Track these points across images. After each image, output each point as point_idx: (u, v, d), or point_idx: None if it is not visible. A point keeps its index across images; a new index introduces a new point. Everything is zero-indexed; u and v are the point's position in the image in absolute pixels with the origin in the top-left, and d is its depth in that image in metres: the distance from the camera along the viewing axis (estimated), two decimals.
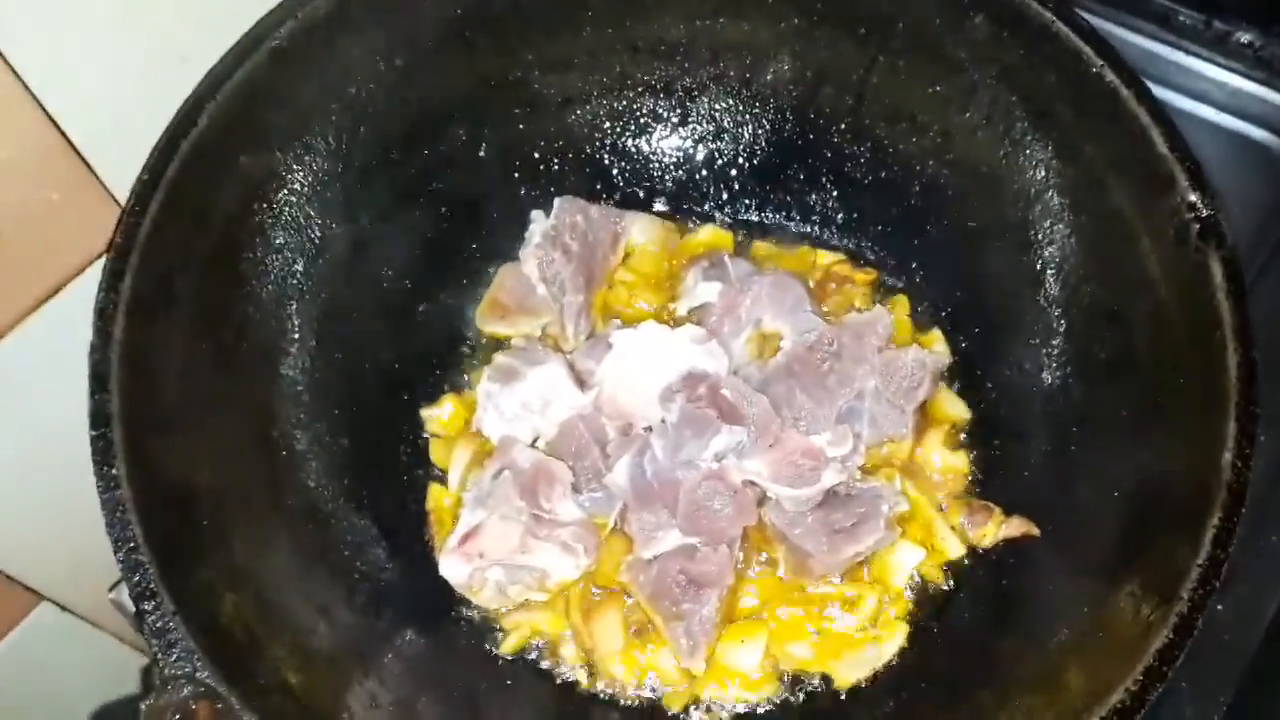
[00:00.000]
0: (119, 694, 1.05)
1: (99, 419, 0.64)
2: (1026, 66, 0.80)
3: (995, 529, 0.78)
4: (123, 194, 0.86)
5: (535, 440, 0.84)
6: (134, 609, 0.87)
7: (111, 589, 0.92)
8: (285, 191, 0.80)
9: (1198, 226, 0.71)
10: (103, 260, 0.87)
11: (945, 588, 0.80)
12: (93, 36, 0.79)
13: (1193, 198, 0.72)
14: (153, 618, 0.59)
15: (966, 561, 0.80)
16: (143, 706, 0.56)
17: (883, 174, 0.92)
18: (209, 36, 0.78)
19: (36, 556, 0.99)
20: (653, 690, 0.77)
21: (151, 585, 0.59)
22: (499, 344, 0.91)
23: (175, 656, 0.58)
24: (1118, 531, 0.69)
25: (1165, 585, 0.61)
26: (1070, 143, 0.79)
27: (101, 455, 0.63)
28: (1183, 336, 0.71)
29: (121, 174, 0.85)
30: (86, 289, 0.87)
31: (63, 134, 0.81)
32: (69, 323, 0.87)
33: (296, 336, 0.81)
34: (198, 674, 0.57)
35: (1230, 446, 0.64)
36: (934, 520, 0.80)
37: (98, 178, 0.84)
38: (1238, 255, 0.70)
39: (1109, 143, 0.76)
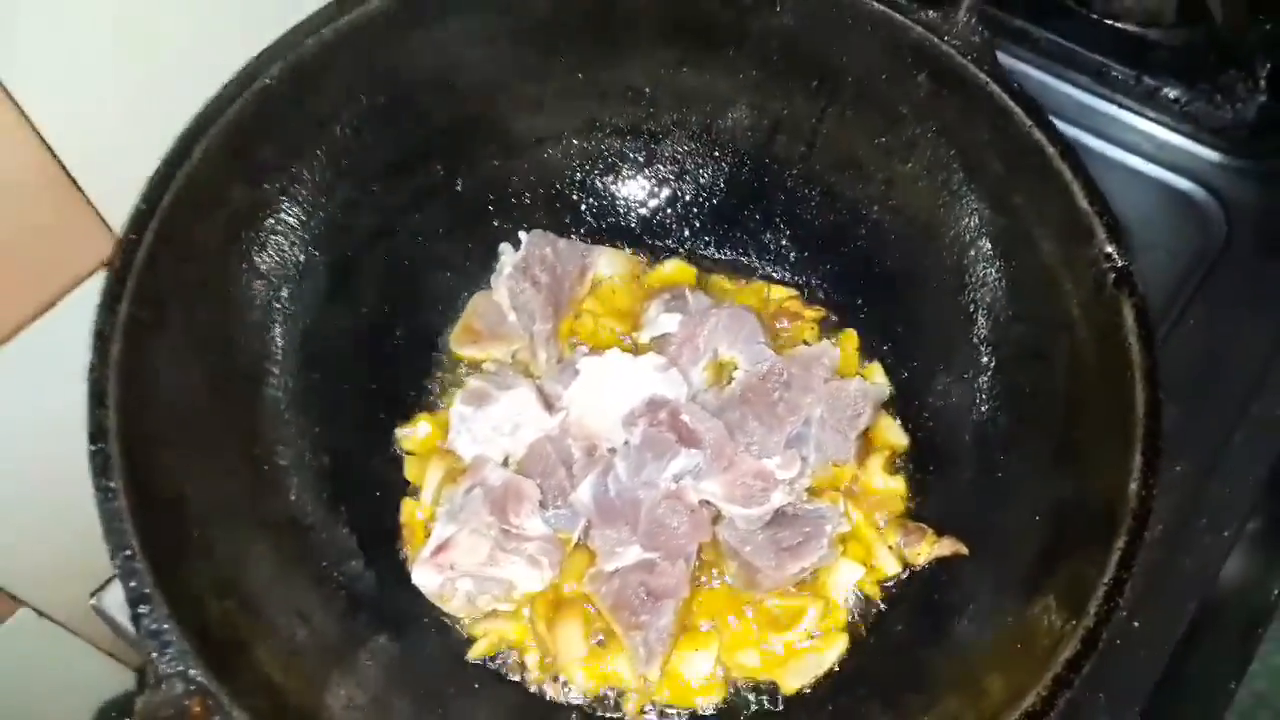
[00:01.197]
0: (97, 700, 1.08)
1: (98, 434, 0.68)
2: (963, 123, 0.87)
3: (928, 548, 0.84)
4: (113, 218, 0.91)
5: (506, 460, 0.89)
6: (116, 616, 0.93)
7: (93, 595, 0.96)
8: (271, 221, 0.84)
9: (1113, 275, 0.78)
10: (91, 281, 0.92)
11: (881, 602, 0.86)
12: (89, 67, 0.84)
13: (1109, 249, 0.79)
14: (148, 620, 0.63)
15: (901, 577, 0.86)
16: (139, 702, 0.60)
17: (831, 217, 0.98)
18: (199, 72, 0.83)
19: (17, 563, 1.02)
20: (611, 695, 0.82)
21: (147, 590, 0.63)
22: (472, 367, 0.96)
23: (169, 656, 0.62)
24: (1036, 551, 0.76)
25: (1075, 601, 0.68)
26: (1001, 194, 0.86)
27: (100, 468, 0.67)
28: (1098, 375, 0.78)
29: (112, 199, 0.89)
30: (76, 309, 0.92)
31: (57, 159, 0.85)
32: (57, 341, 0.91)
33: (280, 358, 0.85)
34: (190, 673, 0.62)
35: (1136, 477, 0.70)
36: (873, 540, 0.86)
37: (90, 202, 0.89)
38: (1148, 303, 0.77)
39: (1035, 196, 0.83)
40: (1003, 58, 1.30)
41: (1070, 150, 0.82)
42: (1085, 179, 0.81)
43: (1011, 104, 0.84)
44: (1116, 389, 0.75)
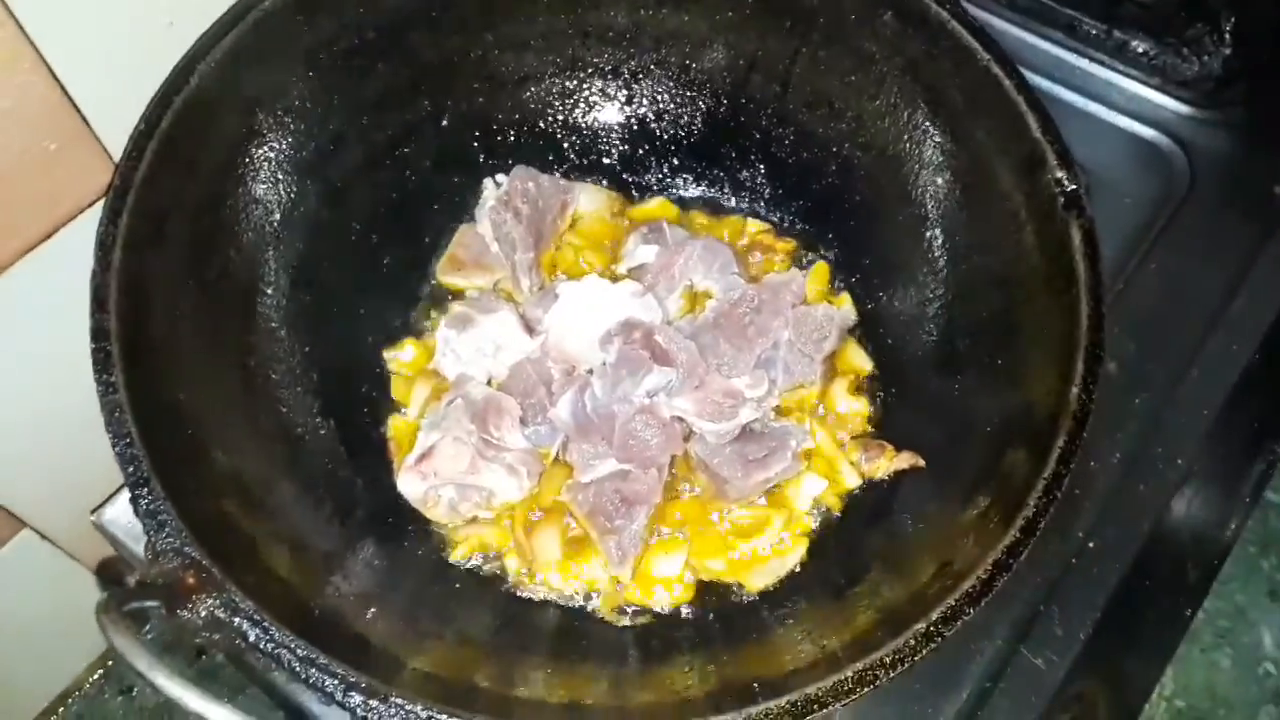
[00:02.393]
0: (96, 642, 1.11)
1: (99, 334, 0.72)
2: (927, 59, 0.91)
3: (887, 463, 0.89)
4: (114, 147, 0.95)
5: (489, 380, 0.93)
6: (117, 534, 0.97)
7: (93, 512, 1.00)
8: (265, 149, 0.88)
9: (1063, 199, 0.82)
10: (93, 209, 0.96)
11: (840, 511, 0.91)
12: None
13: (1060, 174, 0.83)
14: (145, 501, 0.67)
15: (860, 489, 0.91)
16: (135, 576, 0.65)
17: (804, 154, 1.02)
18: (196, 4, 0.87)
19: (18, 484, 1.07)
20: (585, 596, 0.87)
21: (145, 474, 0.68)
22: (457, 295, 1.00)
23: (166, 534, 0.66)
24: (983, 460, 0.80)
25: (1016, 497, 0.72)
26: (962, 128, 0.90)
27: (101, 365, 0.71)
28: (1048, 296, 0.82)
29: (113, 129, 0.93)
30: (78, 236, 0.96)
31: (62, 88, 0.89)
32: (60, 264, 0.95)
33: (272, 279, 0.89)
34: (185, 549, 0.66)
35: (1077, 382, 0.75)
36: (835, 456, 0.91)
37: (92, 131, 0.93)
38: (1094, 224, 0.81)
39: (993, 128, 0.87)
40: (977, 13, 1.35)
41: (1024, 83, 0.87)
42: (1038, 109, 0.85)
43: (971, 40, 0.88)
44: (1063, 306, 0.79)
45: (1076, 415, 0.74)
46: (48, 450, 1.05)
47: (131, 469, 0.68)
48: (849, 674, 0.65)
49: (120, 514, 1.00)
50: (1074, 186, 0.82)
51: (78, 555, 1.17)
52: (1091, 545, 0.98)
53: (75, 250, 0.89)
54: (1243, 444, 1.07)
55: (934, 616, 0.67)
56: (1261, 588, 1.44)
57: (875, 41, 0.94)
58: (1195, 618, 1.05)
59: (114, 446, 0.69)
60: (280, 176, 0.90)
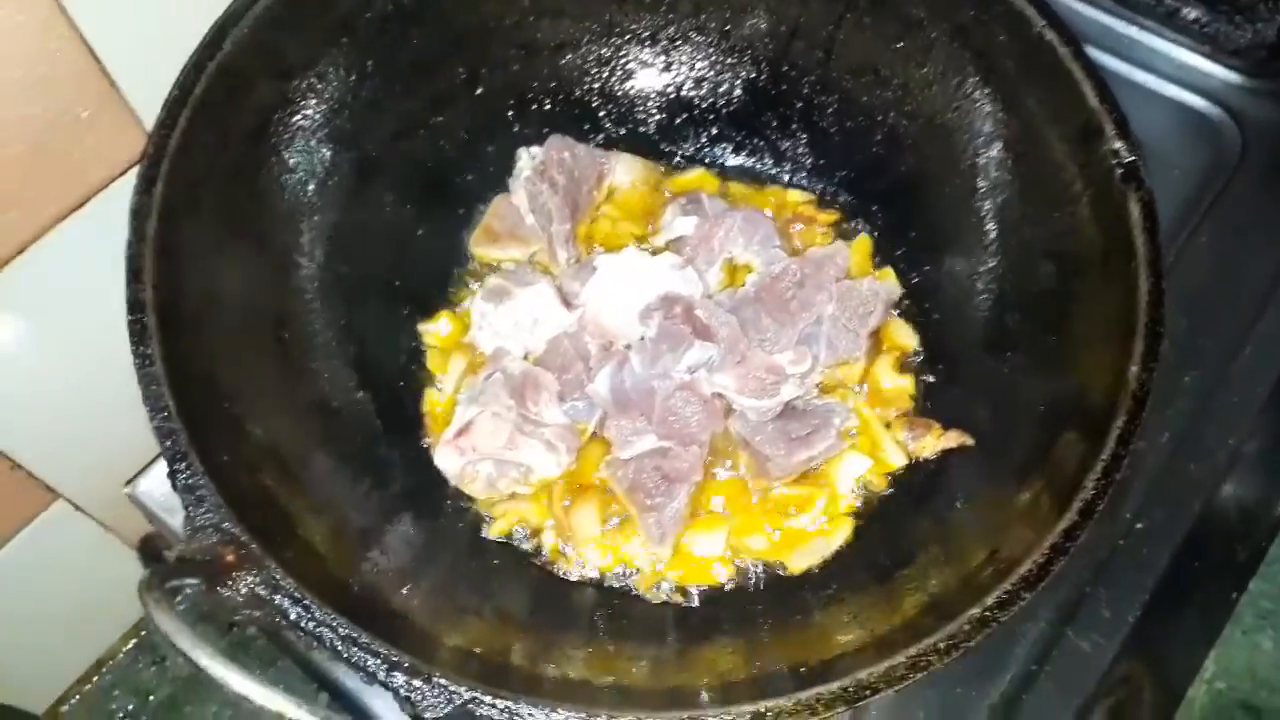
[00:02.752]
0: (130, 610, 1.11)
1: (135, 306, 0.71)
2: (977, 25, 0.88)
3: (934, 441, 0.87)
4: (145, 114, 0.93)
5: (526, 355, 0.92)
6: (150, 506, 0.97)
7: (127, 484, 0.99)
8: (299, 117, 0.87)
9: (1121, 171, 0.79)
10: (125, 176, 0.95)
11: (886, 490, 0.89)
12: None
13: (1118, 145, 0.80)
14: (184, 476, 0.66)
15: (906, 469, 0.89)
16: (175, 550, 0.64)
17: (848, 123, 1.00)
18: None
19: (53, 454, 1.06)
20: (623, 573, 0.86)
21: (183, 448, 0.67)
22: (492, 267, 0.99)
23: (204, 509, 0.65)
24: (1035, 442, 0.78)
25: (1074, 477, 0.70)
26: (1014, 96, 0.87)
27: (138, 337, 0.70)
28: (1104, 271, 0.80)
29: (145, 95, 0.92)
30: (110, 204, 0.95)
31: (94, 55, 0.87)
32: (93, 232, 0.94)
33: (307, 250, 0.88)
34: (224, 525, 0.65)
35: (1137, 360, 0.73)
36: (880, 434, 0.89)
37: (123, 97, 0.91)
38: (1153, 197, 0.78)
39: (1047, 96, 0.84)
40: None
41: (1080, 49, 0.84)
42: (1095, 77, 0.82)
43: (1024, 4, 0.85)
44: (1121, 281, 0.77)
45: (1136, 395, 0.71)
46: (81, 421, 1.05)
47: (169, 443, 0.67)
48: (902, 659, 0.63)
49: (154, 486, 1.00)
50: (1132, 158, 0.80)
51: (111, 526, 1.17)
52: (1140, 526, 0.96)
53: (109, 217, 0.88)
54: None
55: (989, 601, 0.65)
56: None
57: (923, 6, 0.91)
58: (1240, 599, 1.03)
59: (151, 419, 0.68)
60: (314, 145, 0.88)
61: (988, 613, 0.65)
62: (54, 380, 1.01)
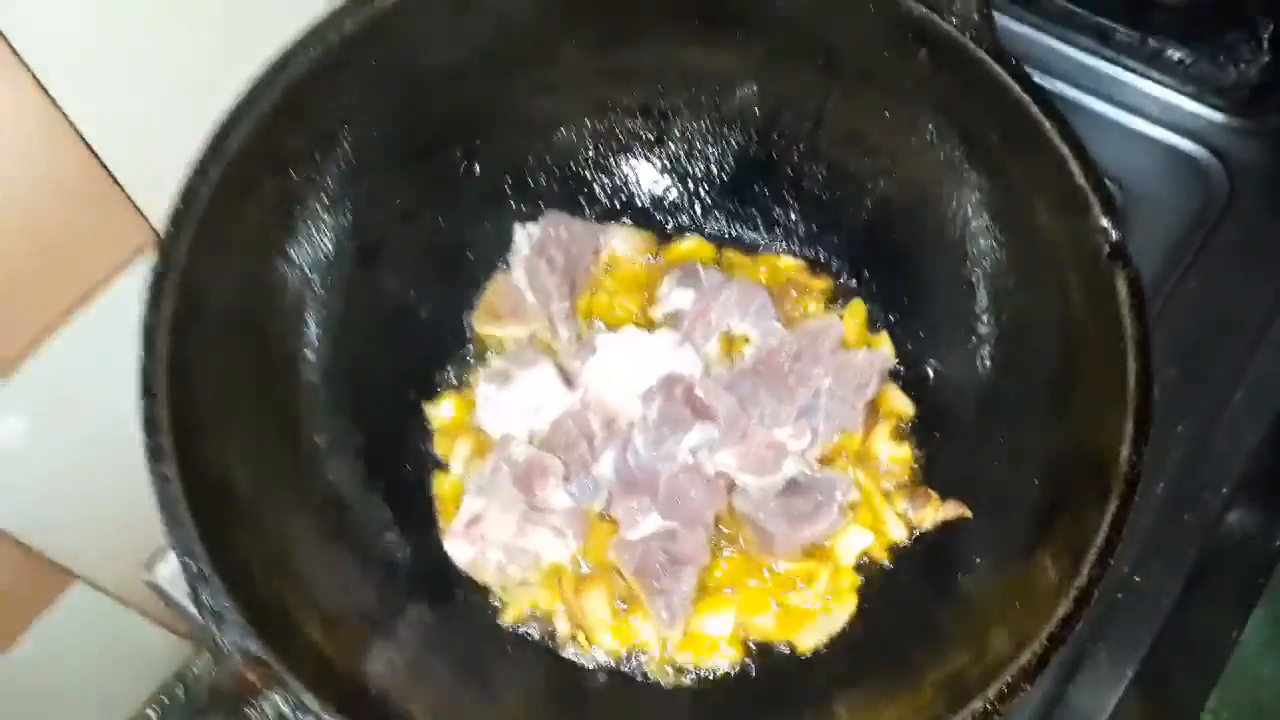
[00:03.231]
0: (153, 671, 1.13)
1: (150, 424, 0.73)
2: (963, 99, 0.89)
3: (933, 512, 0.89)
4: (150, 210, 0.95)
5: (531, 436, 0.94)
6: (168, 589, 0.99)
7: (146, 569, 1.01)
8: (301, 211, 0.88)
9: (1107, 248, 0.81)
10: (132, 270, 0.97)
11: (889, 564, 0.91)
12: (123, 64, 0.87)
13: (1104, 222, 0.81)
14: (207, 599, 0.68)
15: (907, 540, 0.91)
16: (210, 677, 0.66)
17: (838, 191, 1.01)
18: (229, 68, 0.86)
19: (70, 538, 1.08)
20: (635, 656, 0.88)
21: (205, 571, 0.69)
22: (495, 345, 1.00)
23: (228, 633, 0.67)
24: (1034, 511, 0.80)
25: (1072, 557, 0.72)
26: (999, 168, 0.89)
27: (154, 456, 0.72)
28: (1093, 343, 0.81)
29: (148, 192, 0.93)
30: (119, 296, 0.96)
31: (95, 155, 0.89)
32: (101, 325, 0.96)
33: (314, 343, 0.89)
34: (248, 646, 0.67)
35: (1127, 443, 0.74)
36: (881, 506, 0.91)
37: (128, 196, 0.93)
38: (1140, 275, 0.80)
39: (1033, 170, 0.85)
40: (1008, 22, 1.33)
41: (1066, 125, 0.85)
42: (1081, 153, 0.83)
43: (1009, 80, 0.86)
44: (1110, 357, 0.78)
45: (1128, 478, 0.73)
46: (96, 506, 1.07)
47: (191, 565, 0.69)
48: None
49: (171, 570, 1.01)
50: (1118, 235, 0.81)
51: (130, 600, 1.19)
52: (1137, 579, 0.98)
53: (117, 309, 0.90)
54: None
55: (991, 694, 0.67)
56: None
57: (910, 79, 0.92)
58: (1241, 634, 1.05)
59: (169, 537, 0.70)
60: (316, 237, 0.90)
61: (990, 705, 0.67)
62: (68, 470, 1.03)
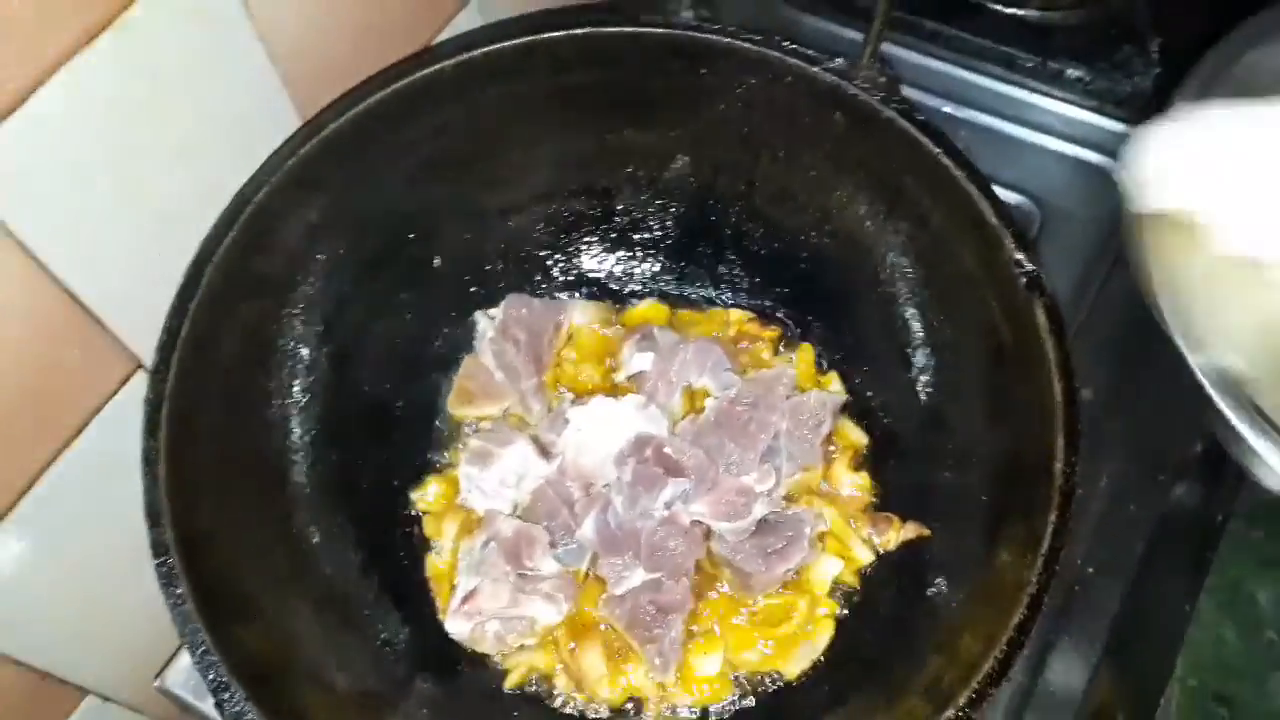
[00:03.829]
0: None
1: (159, 548, 0.77)
2: (879, 154, 0.97)
3: (895, 534, 0.95)
4: (131, 341, 0.99)
5: (515, 508, 1.00)
6: (181, 694, 1.03)
7: (156, 677, 1.05)
8: (277, 327, 0.94)
9: (1024, 280, 0.88)
10: (118, 399, 1.01)
11: (860, 586, 0.97)
12: (97, 214, 0.92)
13: (1019, 256, 0.89)
14: (230, 705, 0.73)
15: (874, 564, 0.97)
16: None
17: (776, 245, 1.09)
18: (198, 204, 0.92)
19: (78, 654, 1.12)
20: (633, 706, 0.93)
21: (224, 679, 0.74)
22: (471, 427, 1.06)
23: None
24: (986, 519, 0.87)
25: (1023, 566, 0.78)
26: (920, 215, 0.96)
27: (166, 579, 0.76)
28: (1020, 367, 0.88)
29: (130, 324, 0.98)
30: (108, 425, 1.00)
31: (79, 302, 0.94)
32: (94, 455, 1.00)
33: (299, 447, 0.95)
34: None
35: (1060, 457, 0.81)
36: (847, 534, 0.97)
37: (112, 334, 0.97)
38: (1057, 302, 0.87)
39: (949, 214, 0.93)
40: (919, 58, 1.41)
41: (975, 171, 0.92)
42: (990, 195, 0.91)
43: (918, 134, 0.93)
44: (1037, 378, 0.85)
45: (1063, 489, 0.80)
46: (104, 622, 1.10)
47: (212, 675, 0.74)
48: None
49: (182, 676, 1.06)
50: (1033, 267, 0.88)
51: (141, 708, 1.22)
52: (1090, 570, 1.05)
53: (107, 436, 0.94)
54: None
55: (961, 701, 0.73)
56: (1253, 557, 1.50)
57: (830, 139, 0.99)
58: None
59: (191, 655, 0.75)
60: (292, 349, 0.95)
61: (960, 713, 0.73)
62: (73, 593, 1.06)
